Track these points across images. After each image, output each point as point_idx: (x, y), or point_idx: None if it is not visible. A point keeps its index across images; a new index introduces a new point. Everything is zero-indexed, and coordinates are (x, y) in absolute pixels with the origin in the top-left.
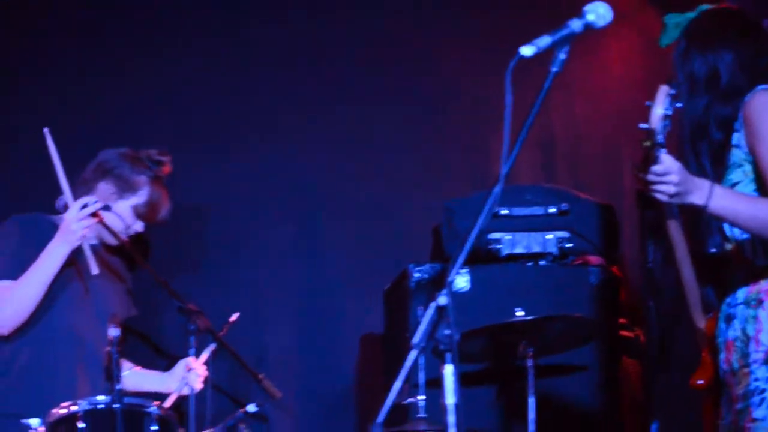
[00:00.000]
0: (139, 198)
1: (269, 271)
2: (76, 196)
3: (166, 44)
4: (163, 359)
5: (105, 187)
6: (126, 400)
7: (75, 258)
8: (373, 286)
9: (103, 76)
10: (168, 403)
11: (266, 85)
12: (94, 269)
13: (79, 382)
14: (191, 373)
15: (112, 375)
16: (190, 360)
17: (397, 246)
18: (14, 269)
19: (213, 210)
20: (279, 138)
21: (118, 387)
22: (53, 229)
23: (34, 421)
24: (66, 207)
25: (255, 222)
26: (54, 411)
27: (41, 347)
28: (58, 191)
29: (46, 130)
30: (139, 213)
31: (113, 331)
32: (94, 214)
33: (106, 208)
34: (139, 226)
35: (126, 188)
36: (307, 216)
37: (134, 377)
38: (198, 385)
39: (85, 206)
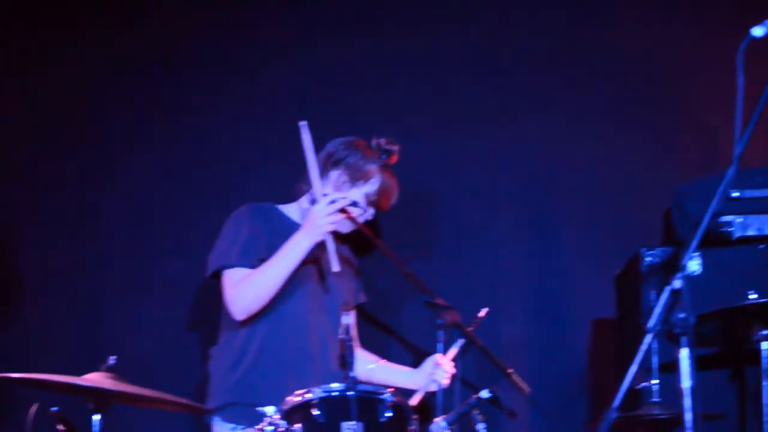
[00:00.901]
0: (371, 186)
1: (498, 258)
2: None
3: (386, 33)
4: (410, 354)
5: (337, 176)
6: (360, 387)
7: (316, 251)
8: (604, 271)
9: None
10: (414, 400)
11: (493, 76)
12: (336, 266)
13: (311, 371)
14: (439, 370)
15: (345, 362)
16: (438, 357)
17: (626, 229)
18: (248, 257)
19: (442, 199)
20: (507, 126)
21: (351, 374)
22: (281, 219)
23: (269, 409)
24: (313, 201)
25: (482, 210)
26: (289, 399)
27: (274, 336)
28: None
29: (302, 123)
30: (371, 201)
31: (346, 319)
32: (342, 210)
33: (354, 204)
34: (369, 215)
35: (358, 177)
36: (536, 203)
37: (381, 371)
38: (445, 382)
39: (333, 202)
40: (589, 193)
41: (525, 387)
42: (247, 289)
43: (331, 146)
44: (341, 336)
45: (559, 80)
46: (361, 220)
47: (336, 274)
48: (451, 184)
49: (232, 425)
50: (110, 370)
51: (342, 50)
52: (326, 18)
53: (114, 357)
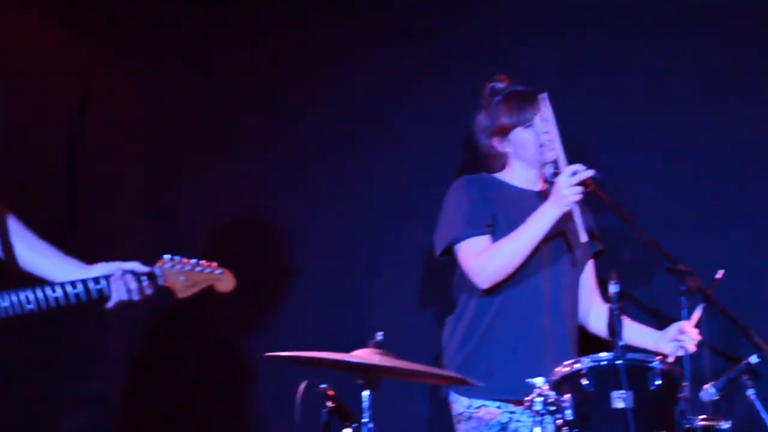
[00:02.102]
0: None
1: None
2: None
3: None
4: (654, 320)
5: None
6: (629, 355)
7: (562, 222)
8: None
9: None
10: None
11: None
12: (584, 236)
13: (544, 344)
14: (685, 336)
15: (614, 331)
16: (683, 323)
17: None
18: (476, 225)
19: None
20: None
21: (620, 343)
22: (500, 185)
23: (538, 380)
24: (555, 174)
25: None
26: (557, 369)
27: (509, 307)
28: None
29: (543, 95)
30: None
31: (613, 288)
32: (584, 183)
33: (597, 176)
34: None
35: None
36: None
37: (625, 329)
38: (692, 348)
39: (575, 173)
40: None
41: (766, 347)
42: (493, 258)
43: None
44: (609, 305)
45: None
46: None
47: (578, 244)
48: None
49: (467, 399)
50: (378, 345)
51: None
52: None
53: (381, 333)
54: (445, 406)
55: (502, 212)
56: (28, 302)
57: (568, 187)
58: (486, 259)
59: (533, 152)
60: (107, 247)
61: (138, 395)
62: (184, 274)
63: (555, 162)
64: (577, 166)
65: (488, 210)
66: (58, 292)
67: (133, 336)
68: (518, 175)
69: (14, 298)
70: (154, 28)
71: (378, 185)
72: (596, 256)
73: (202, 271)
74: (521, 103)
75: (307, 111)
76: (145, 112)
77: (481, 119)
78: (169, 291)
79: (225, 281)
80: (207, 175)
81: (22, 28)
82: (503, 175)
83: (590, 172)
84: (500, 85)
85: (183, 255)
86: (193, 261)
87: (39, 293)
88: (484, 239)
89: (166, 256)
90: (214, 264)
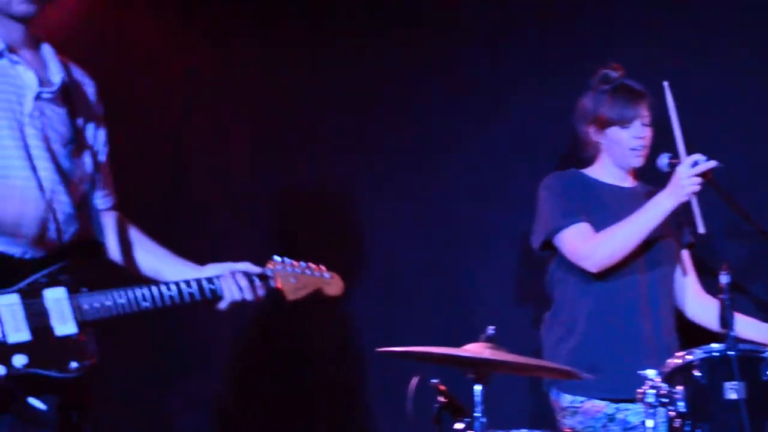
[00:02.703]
0: None
1: None
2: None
3: None
4: (765, 312)
5: None
6: (741, 346)
7: (676, 212)
8: None
9: None
10: None
11: None
12: (701, 227)
13: (641, 338)
14: None
15: (725, 322)
16: None
17: None
18: (575, 214)
19: None
20: None
21: (732, 334)
22: (588, 181)
23: (650, 372)
24: (672, 165)
25: None
26: (669, 361)
27: (607, 301)
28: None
29: (665, 83)
30: None
31: (724, 278)
32: (704, 174)
33: (719, 166)
34: None
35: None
36: None
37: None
38: None
39: (696, 164)
40: None
41: None
42: (606, 242)
43: None
44: (720, 296)
45: None
46: None
47: (674, 235)
48: None
49: (570, 396)
50: (489, 339)
51: None
52: None
53: (493, 327)
54: (547, 400)
55: (593, 208)
56: (144, 299)
57: (688, 178)
58: (598, 243)
59: (623, 154)
60: (211, 246)
61: (248, 395)
62: (295, 276)
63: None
64: (698, 156)
65: (582, 203)
66: (173, 290)
67: (242, 335)
68: (608, 170)
69: (131, 294)
70: (261, 28)
71: (485, 176)
72: (689, 246)
73: (311, 274)
74: (626, 102)
75: (411, 108)
76: (248, 107)
77: (585, 103)
78: (279, 293)
79: (333, 285)
80: (312, 172)
81: (129, 28)
82: (593, 171)
83: (712, 163)
84: (613, 74)
85: (290, 255)
86: (303, 264)
87: (155, 290)
88: (587, 226)
89: (277, 258)
90: (323, 268)
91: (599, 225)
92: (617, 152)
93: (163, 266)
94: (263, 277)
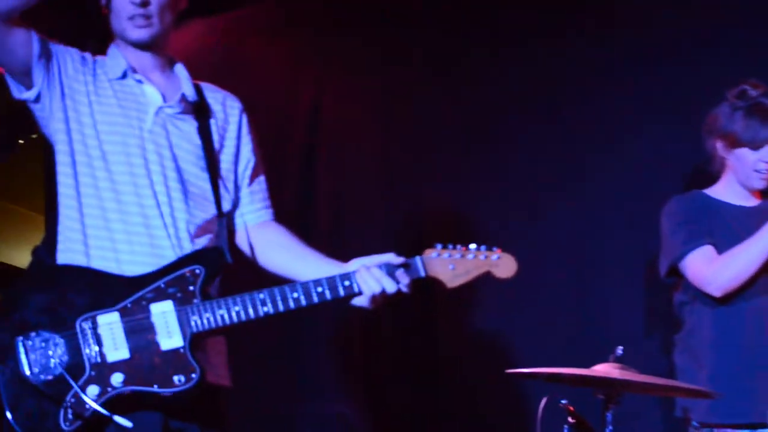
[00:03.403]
0: None
1: None
2: None
3: None
4: None
5: None
6: None
7: None
8: None
9: None
10: None
11: None
12: None
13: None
14: None
15: None
16: None
17: None
18: (699, 236)
19: None
20: None
21: None
22: (710, 202)
23: None
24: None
25: None
26: None
27: (732, 327)
28: None
29: None
30: None
31: None
32: None
33: None
34: None
35: None
36: None
37: None
38: None
39: None
40: None
41: None
42: (729, 265)
43: None
44: None
45: None
46: None
47: None
48: None
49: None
50: (618, 360)
51: None
52: None
53: (621, 347)
54: (678, 425)
55: (717, 230)
56: (263, 304)
57: None
58: (721, 267)
59: (747, 174)
60: (344, 245)
61: (376, 414)
62: (453, 262)
63: None
64: None
65: (705, 225)
66: (299, 291)
67: (369, 354)
68: (732, 189)
69: (247, 300)
70: (381, 38)
71: (616, 196)
72: None
73: (475, 258)
74: (761, 124)
75: (545, 123)
76: (375, 119)
77: (719, 116)
78: (436, 282)
79: (504, 266)
80: (440, 179)
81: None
82: (716, 190)
83: None
84: (753, 92)
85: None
86: (461, 248)
87: (276, 293)
88: (710, 249)
89: (437, 245)
90: (493, 249)
91: (723, 247)
92: (741, 172)
93: (308, 268)
94: (406, 267)
